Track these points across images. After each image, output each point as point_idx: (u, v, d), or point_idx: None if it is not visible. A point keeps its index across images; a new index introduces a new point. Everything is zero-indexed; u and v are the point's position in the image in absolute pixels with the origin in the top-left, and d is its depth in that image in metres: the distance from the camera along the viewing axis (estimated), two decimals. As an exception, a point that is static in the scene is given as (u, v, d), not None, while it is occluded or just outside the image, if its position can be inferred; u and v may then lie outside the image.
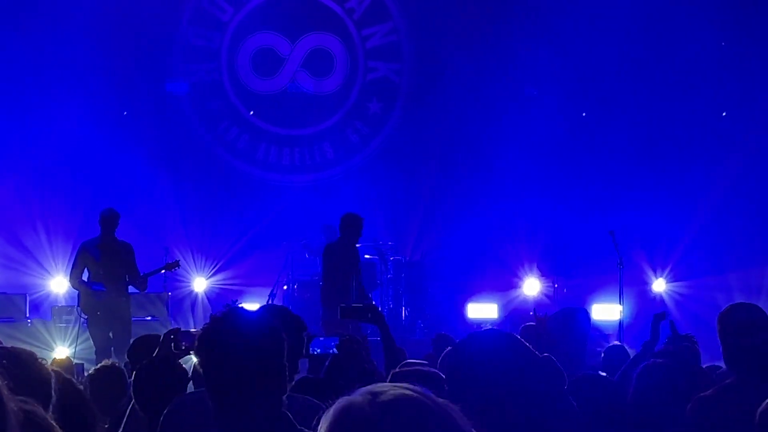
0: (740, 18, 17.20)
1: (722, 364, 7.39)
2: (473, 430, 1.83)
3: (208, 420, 3.78)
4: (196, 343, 3.17)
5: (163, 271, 13.27)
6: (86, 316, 12.39)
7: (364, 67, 18.67)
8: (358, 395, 1.77)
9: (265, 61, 18.48)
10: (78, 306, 12.51)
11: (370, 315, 6.49)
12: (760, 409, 3.72)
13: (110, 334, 12.14)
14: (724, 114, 17.56)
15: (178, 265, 13.36)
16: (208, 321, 3.21)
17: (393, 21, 18.59)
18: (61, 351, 11.49)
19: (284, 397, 3.15)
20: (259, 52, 18.50)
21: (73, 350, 12.50)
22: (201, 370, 3.16)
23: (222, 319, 3.16)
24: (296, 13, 18.34)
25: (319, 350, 5.65)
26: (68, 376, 3.96)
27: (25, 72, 17.29)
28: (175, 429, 3.93)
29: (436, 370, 5.27)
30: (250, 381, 3.07)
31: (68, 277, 12.75)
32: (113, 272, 12.26)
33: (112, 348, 11.92)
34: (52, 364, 6.64)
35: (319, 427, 1.78)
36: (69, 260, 15.88)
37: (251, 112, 18.51)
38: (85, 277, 12.40)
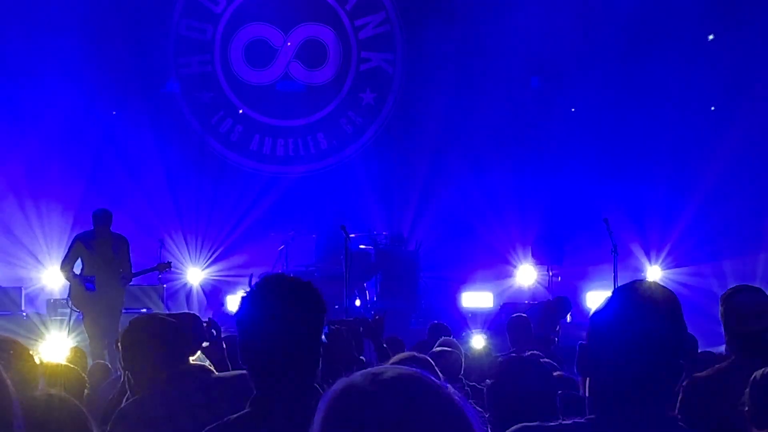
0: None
1: (716, 350, 7.43)
2: (472, 410, 1.84)
3: (150, 428, 3.81)
4: (238, 305, 3.13)
5: (156, 272, 13.30)
6: (77, 311, 12.40)
7: (357, 58, 18.66)
8: (358, 375, 1.78)
9: (258, 52, 18.47)
10: (69, 298, 12.51)
11: (362, 329, 6.39)
12: (752, 378, 3.74)
13: (103, 326, 12.14)
14: (713, 108, 17.63)
15: (170, 266, 13.37)
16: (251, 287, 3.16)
17: (385, 11, 18.59)
18: (56, 339, 11.48)
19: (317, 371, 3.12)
20: (252, 43, 18.49)
21: (68, 342, 12.49)
22: (239, 338, 3.12)
23: (263, 282, 3.12)
24: (289, 3, 18.32)
25: None
26: (72, 366, 4.01)
27: (17, 64, 17.26)
28: None
29: (426, 356, 5.31)
30: (288, 346, 3.02)
31: (60, 267, 12.72)
32: (107, 266, 12.25)
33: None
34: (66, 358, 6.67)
35: (318, 406, 1.79)
36: (63, 253, 15.91)
37: (240, 111, 18.50)
38: (78, 269, 12.39)
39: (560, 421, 2.75)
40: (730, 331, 4.72)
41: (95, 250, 12.27)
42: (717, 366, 4.83)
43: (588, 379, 2.76)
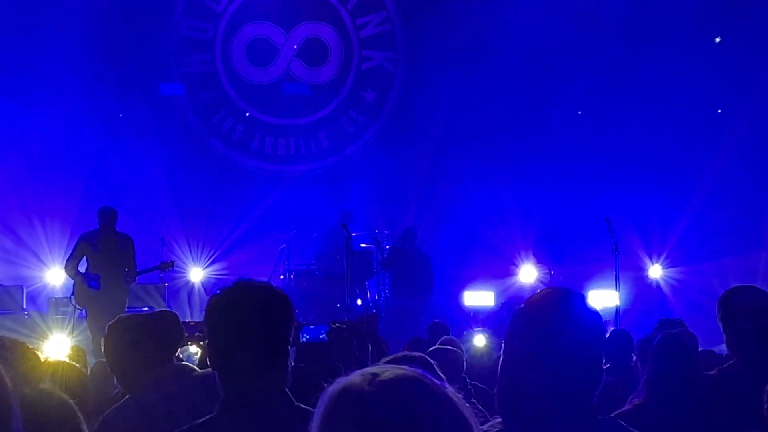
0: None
1: (717, 349, 7.43)
2: (471, 412, 1.85)
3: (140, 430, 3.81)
4: (206, 308, 3.15)
5: (158, 271, 13.34)
6: (81, 308, 12.43)
7: (359, 57, 18.66)
8: (357, 376, 1.79)
9: (260, 51, 18.47)
10: (73, 296, 12.52)
11: (365, 331, 6.36)
12: None
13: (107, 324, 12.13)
14: (719, 111, 17.62)
15: (172, 266, 13.41)
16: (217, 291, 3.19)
17: (387, 10, 18.58)
18: (58, 339, 11.49)
19: (288, 371, 3.12)
20: (254, 42, 18.48)
21: (70, 340, 12.51)
22: (207, 339, 3.14)
23: (233, 286, 3.14)
24: (290, 2, 18.33)
25: (308, 337, 5.65)
26: (76, 364, 4.03)
27: (19, 63, 17.27)
28: None
29: (424, 354, 5.32)
30: (256, 348, 3.04)
31: (64, 266, 12.74)
32: (112, 265, 12.27)
33: None
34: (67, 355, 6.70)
35: (317, 407, 1.79)
36: (65, 252, 15.89)
37: (247, 114, 18.51)
38: (83, 268, 12.41)
39: None
40: (732, 331, 4.72)
41: (100, 248, 12.28)
42: (722, 366, 4.83)
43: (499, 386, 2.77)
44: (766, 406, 3.69)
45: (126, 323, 4.39)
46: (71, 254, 12.55)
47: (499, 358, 2.86)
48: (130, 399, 4.13)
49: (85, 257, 12.42)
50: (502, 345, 2.78)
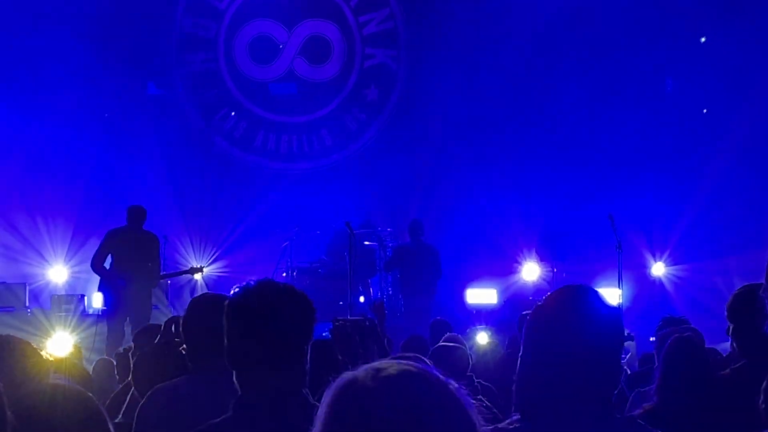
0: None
1: (720, 348, 7.42)
2: (474, 407, 1.86)
3: (182, 408, 3.78)
4: (226, 308, 3.14)
5: (188, 275, 13.48)
6: (107, 306, 12.50)
7: (362, 54, 18.66)
8: (361, 370, 1.80)
9: (263, 48, 18.47)
10: (100, 290, 12.60)
11: (368, 323, 6.31)
12: (764, 385, 3.73)
13: (127, 321, 12.21)
14: (705, 111, 17.65)
15: (202, 270, 13.53)
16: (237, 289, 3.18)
17: (390, 7, 18.58)
18: (61, 337, 11.49)
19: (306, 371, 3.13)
20: (256, 39, 18.48)
21: (93, 338, 12.54)
22: (225, 337, 3.13)
23: (254, 285, 3.13)
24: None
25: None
26: (76, 361, 4.01)
27: (20, 59, 17.28)
28: (151, 418, 3.94)
29: (420, 356, 5.31)
30: (273, 348, 3.04)
31: (91, 263, 12.76)
32: (138, 262, 12.33)
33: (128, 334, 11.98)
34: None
35: (322, 400, 1.80)
36: (68, 249, 15.94)
37: (233, 113, 18.51)
38: (108, 264, 12.46)
39: (495, 425, 2.75)
40: (742, 330, 4.71)
41: (126, 246, 12.35)
42: (733, 366, 4.81)
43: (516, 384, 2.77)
44: (762, 406, 3.70)
45: (216, 300, 4.26)
46: (98, 251, 12.61)
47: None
48: (188, 377, 4.08)
49: (110, 254, 12.48)
50: (521, 343, 2.78)
